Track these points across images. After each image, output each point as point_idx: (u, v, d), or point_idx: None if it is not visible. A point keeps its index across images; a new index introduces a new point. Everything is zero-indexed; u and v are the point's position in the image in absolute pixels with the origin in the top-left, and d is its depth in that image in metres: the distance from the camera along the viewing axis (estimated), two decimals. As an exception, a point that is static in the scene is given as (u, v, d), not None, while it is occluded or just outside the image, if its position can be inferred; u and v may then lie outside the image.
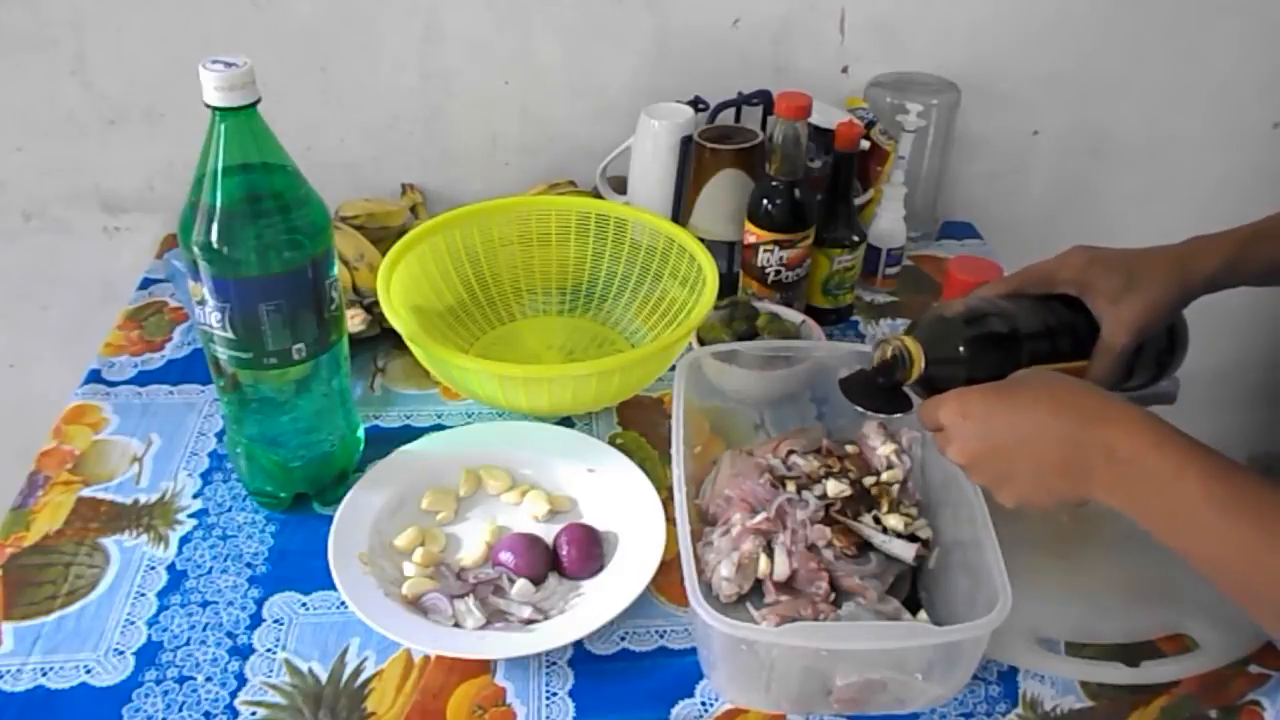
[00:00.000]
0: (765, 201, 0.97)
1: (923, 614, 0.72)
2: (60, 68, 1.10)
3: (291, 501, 0.82)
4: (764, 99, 1.09)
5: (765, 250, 0.98)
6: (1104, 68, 1.25)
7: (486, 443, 0.87)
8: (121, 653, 0.71)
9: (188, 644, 0.71)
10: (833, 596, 0.72)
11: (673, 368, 0.86)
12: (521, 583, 0.75)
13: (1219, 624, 0.73)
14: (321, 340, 0.76)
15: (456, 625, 0.72)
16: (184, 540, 0.79)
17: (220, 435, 0.89)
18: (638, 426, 0.92)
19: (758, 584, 0.74)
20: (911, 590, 0.75)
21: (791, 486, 0.77)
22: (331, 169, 1.17)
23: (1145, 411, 0.61)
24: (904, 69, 1.18)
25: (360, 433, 0.86)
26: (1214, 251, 0.77)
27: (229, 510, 0.82)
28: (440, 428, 0.90)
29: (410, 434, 0.89)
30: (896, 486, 0.78)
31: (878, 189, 1.10)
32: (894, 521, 0.75)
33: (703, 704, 0.69)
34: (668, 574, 0.74)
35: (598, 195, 1.14)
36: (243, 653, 0.71)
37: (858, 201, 1.08)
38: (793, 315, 0.96)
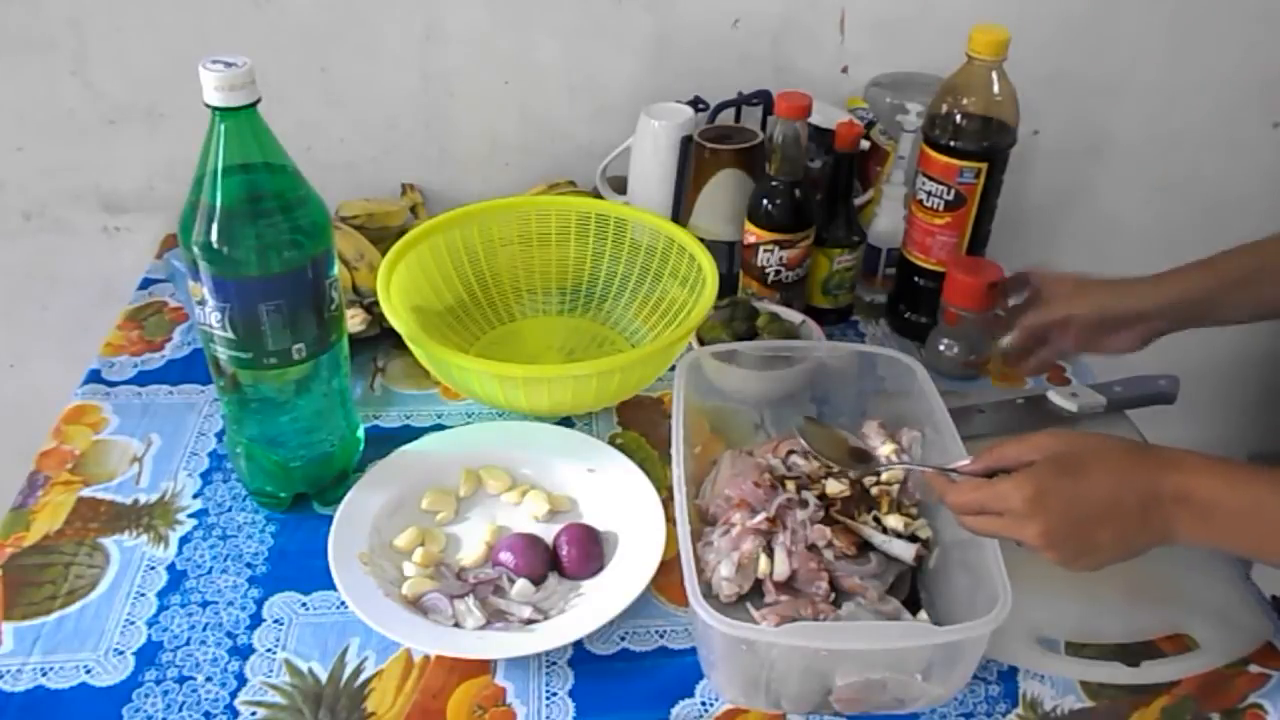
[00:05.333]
0: (765, 201, 0.97)
1: (923, 614, 0.72)
2: (60, 68, 1.10)
3: (291, 501, 0.82)
4: (764, 99, 1.10)
5: (765, 250, 0.98)
6: (1104, 68, 1.25)
7: (486, 443, 0.87)
8: (121, 653, 0.71)
9: (188, 644, 0.71)
10: (833, 596, 0.72)
11: (673, 368, 0.86)
12: (521, 583, 0.75)
13: (1219, 624, 0.73)
14: (321, 340, 0.76)
15: (456, 625, 0.72)
16: (184, 540, 0.79)
17: (220, 435, 0.89)
18: (638, 426, 0.92)
19: (758, 584, 0.73)
20: (911, 590, 0.75)
21: (791, 486, 0.77)
22: (331, 169, 1.17)
23: (1199, 452, 0.64)
24: (904, 69, 1.18)
25: (360, 433, 0.86)
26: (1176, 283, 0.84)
27: (229, 510, 0.82)
28: (440, 428, 0.90)
29: (410, 434, 0.89)
30: (896, 486, 0.78)
31: (878, 189, 1.10)
32: (894, 521, 0.75)
33: (703, 704, 0.69)
34: (668, 574, 0.74)
35: (598, 195, 1.14)
36: (243, 653, 0.71)
37: (858, 201, 1.08)
38: (793, 315, 0.96)
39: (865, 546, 0.75)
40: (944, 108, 0.94)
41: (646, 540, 0.76)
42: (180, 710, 0.67)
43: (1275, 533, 0.62)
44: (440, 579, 0.75)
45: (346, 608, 0.71)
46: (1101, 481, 0.63)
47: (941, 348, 0.97)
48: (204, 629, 0.72)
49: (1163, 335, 0.85)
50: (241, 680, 0.69)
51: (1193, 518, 0.62)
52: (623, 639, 0.73)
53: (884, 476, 0.79)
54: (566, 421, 0.91)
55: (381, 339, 0.98)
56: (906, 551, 0.74)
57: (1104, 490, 0.63)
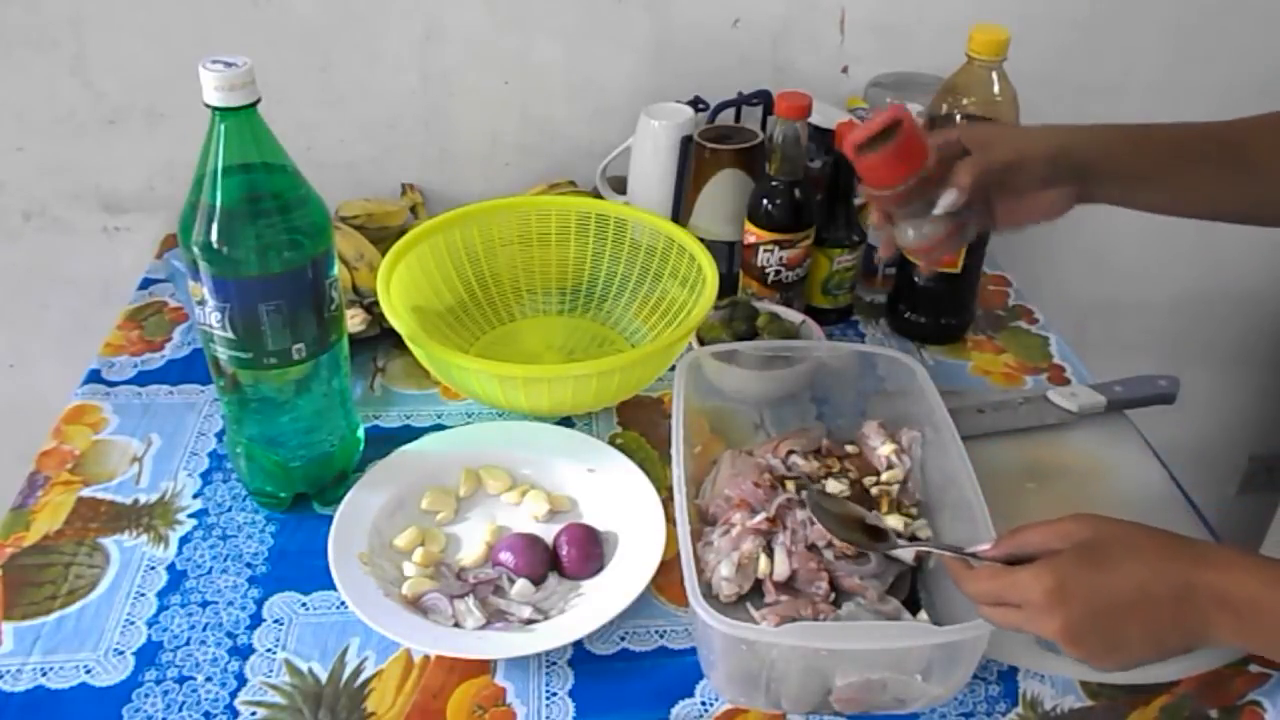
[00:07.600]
0: (765, 201, 0.97)
1: (923, 614, 0.72)
2: (60, 68, 1.10)
3: (291, 501, 0.82)
4: (764, 99, 1.10)
5: (765, 250, 0.98)
6: (1104, 68, 1.25)
7: (486, 443, 0.87)
8: (121, 653, 0.71)
9: (188, 644, 0.71)
10: (833, 596, 0.72)
11: (673, 368, 0.86)
12: (521, 583, 0.75)
13: (1219, 624, 0.73)
14: (321, 340, 0.76)
15: (456, 625, 0.72)
16: (184, 540, 0.79)
17: (220, 435, 0.89)
18: (638, 426, 0.92)
19: (758, 584, 0.73)
20: (911, 590, 0.75)
21: (791, 486, 0.77)
22: (331, 169, 1.17)
23: (1238, 548, 0.61)
24: (904, 69, 1.18)
25: (360, 433, 0.86)
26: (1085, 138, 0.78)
27: (229, 510, 0.82)
28: (440, 428, 0.90)
29: (410, 434, 0.89)
30: (896, 487, 0.78)
31: (878, 189, 1.10)
32: (894, 522, 0.75)
33: (703, 704, 0.69)
34: (668, 574, 0.74)
35: (598, 195, 1.14)
36: (243, 653, 0.71)
37: (858, 201, 1.08)
38: (793, 315, 0.96)
39: (865, 546, 0.75)
40: (944, 108, 0.94)
41: (646, 540, 0.76)
42: (180, 710, 0.67)
43: None
44: (440, 579, 0.75)
45: (346, 608, 0.71)
46: (1130, 572, 0.59)
47: (910, 233, 0.76)
48: (204, 629, 0.72)
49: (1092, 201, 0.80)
50: (241, 680, 0.69)
51: (1231, 620, 0.58)
52: (623, 639, 0.73)
53: (884, 476, 0.79)
54: (566, 421, 0.91)
55: (381, 339, 0.98)
56: (906, 552, 0.74)
57: (1133, 582, 0.59)
